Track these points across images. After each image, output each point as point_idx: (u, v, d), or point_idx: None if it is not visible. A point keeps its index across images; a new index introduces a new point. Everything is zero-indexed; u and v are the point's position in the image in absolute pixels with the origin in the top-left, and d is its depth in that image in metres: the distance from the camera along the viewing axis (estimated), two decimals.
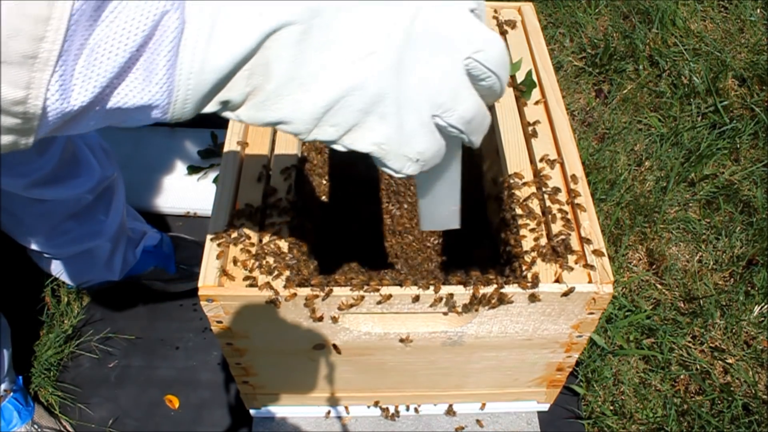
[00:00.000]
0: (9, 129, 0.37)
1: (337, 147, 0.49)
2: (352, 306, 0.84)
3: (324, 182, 1.19)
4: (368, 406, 1.15)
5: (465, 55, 0.46)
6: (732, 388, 1.32)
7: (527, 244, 0.87)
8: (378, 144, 0.47)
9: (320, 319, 0.87)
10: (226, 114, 0.46)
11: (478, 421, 1.20)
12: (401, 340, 0.92)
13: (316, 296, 0.83)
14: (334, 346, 0.93)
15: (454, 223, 0.74)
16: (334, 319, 0.87)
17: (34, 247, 1.25)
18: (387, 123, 0.46)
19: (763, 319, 1.42)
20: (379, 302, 0.84)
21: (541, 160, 0.96)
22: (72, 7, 0.35)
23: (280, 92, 0.44)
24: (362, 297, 0.83)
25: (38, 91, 0.36)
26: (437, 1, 0.45)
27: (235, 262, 0.85)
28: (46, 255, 1.28)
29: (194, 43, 0.40)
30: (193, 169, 1.65)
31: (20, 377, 1.24)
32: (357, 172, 1.25)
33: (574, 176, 0.93)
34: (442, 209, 0.72)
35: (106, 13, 0.37)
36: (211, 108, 0.44)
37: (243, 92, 0.43)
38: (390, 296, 0.83)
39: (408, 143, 0.48)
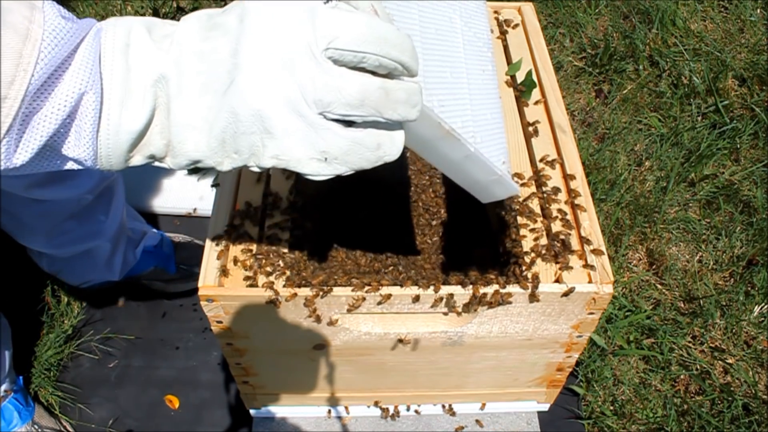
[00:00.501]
0: None
1: (253, 169, 0.52)
2: (357, 306, 0.84)
3: (324, 182, 1.19)
4: (368, 406, 1.15)
5: (321, 48, 0.46)
6: (732, 388, 1.32)
7: (527, 244, 0.87)
8: (276, 156, 0.50)
9: (320, 320, 0.87)
10: (158, 164, 0.53)
11: (477, 421, 1.20)
12: (400, 341, 0.92)
13: (316, 296, 0.83)
14: (315, 311, 0.93)
15: (508, 190, 0.73)
16: (333, 323, 0.87)
17: (34, 247, 1.25)
18: (274, 137, 0.49)
19: (763, 319, 1.42)
20: (379, 302, 0.84)
21: (541, 160, 0.96)
22: (26, 90, 0.43)
23: (181, 139, 0.50)
24: (363, 298, 0.83)
25: None
26: (281, 7, 0.48)
27: (235, 262, 0.85)
28: (46, 255, 1.28)
29: (107, 114, 0.49)
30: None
31: (20, 377, 1.24)
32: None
33: (573, 176, 0.93)
34: (482, 181, 0.71)
35: (44, 93, 0.46)
36: (138, 161, 0.52)
37: (161, 145, 0.51)
38: (390, 296, 0.83)
39: (305, 147, 0.49)
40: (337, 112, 0.47)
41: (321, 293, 0.82)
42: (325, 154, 0.49)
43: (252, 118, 0.48)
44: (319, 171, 0.51)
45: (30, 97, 0.44)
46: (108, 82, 0.48)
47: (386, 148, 0.51)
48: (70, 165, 0.51)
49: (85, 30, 0.48)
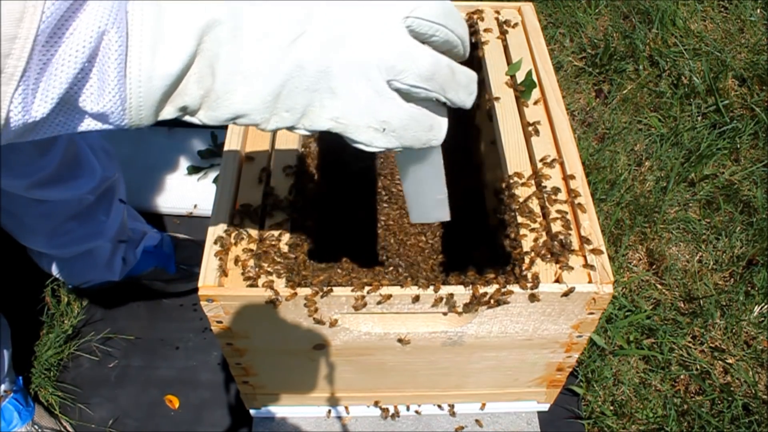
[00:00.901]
0: None
1: (300, 131, 0.49)
2: (364, 305, 0.84)
3: (325, 182, 1.19)
4: (368, 406, 1.15)
5: (403, 15, 0.46)
6: (732, 388, 1.32)
7: (527, 244, 0.87)
8: (335, 119, 0.48)
9: (321, 322, 0.87)
10: (188, 119, 0.48)
11: (477, 421, 1.20)
12: (399, 341, 0.92)
13: (316, 295, 0.83)
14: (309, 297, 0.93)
15: (444, 214, 0.74)
16: (333, 323, 0.87)
17: (35, 247, 1.25)
18: (338, 97, 0.47)
19: (763, 319, 1.42)
20: (379, 302, 0.84)
21: (541, 161, 0.96)
22: (37, 28, 0.38)
23: (227, 89, 0.46)
24: (363, 297, 0.83)
25: (3, 102, 0.39)
26: None
27: (235, 262, 0.85)
28: (46, 255, 1.28)
29: (139, 55, 0.42)
30: (193, 169, 1.65)
31: (20, 377, 1.24)
32: (357, 172, 1.25)
33: (573, 176, 0.93)
34: (429, 199, 0.72)
35: (60, 35, 0.40)
36: (169, 114, 0.47)
37: (197, 95, 0.46)
38: (390, 296, 0.83)
39: (367, 114, 0.48)
40: (406, 81, 0.47)
41: (321, 293, 0.82)
42: (384, 124, 0.48)
43: (318, 74, 0.46)
44: (372, 141, 0.49)
45: (44, 36, 0.39)
46: (137, 23, 0.42)
47: (436, 132, 0.51)
48: (92, 124, 0.45)
49: None
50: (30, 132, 0.43)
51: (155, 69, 0.43)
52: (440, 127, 0.52)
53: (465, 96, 0.51)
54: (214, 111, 0.47)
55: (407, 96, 0.49)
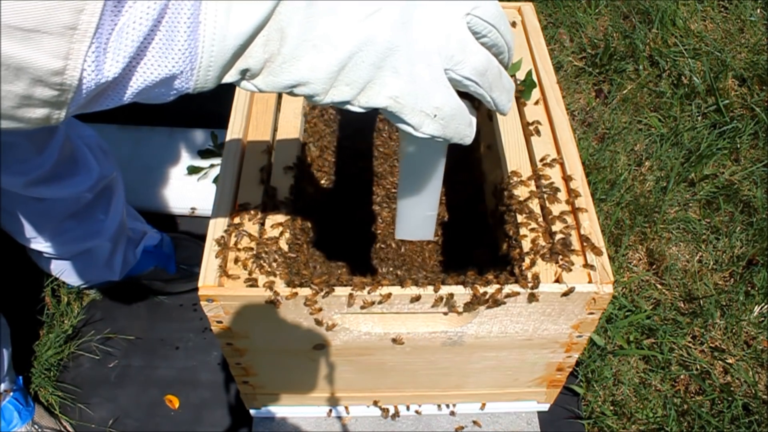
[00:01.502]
0: (44, 101, 0.39)
1: (354, 108, 0.50)
2: (372, 303, 0.84)
3: (324, 182, 1.19)
4: (368, 406, 1.15)
5: (465, 11, 0.49)
6: (732, 388, 1.32)
7: (527, 244, 0.87)
8: (394, 97, 0.49)
9: (321, 323, 0.87)
10: (245, 84, 0.48)
11: (475, 422, 1.20)
12: (393, 341, 0.92)
13: (316, 294, 0.83)
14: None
15: (428, 233, 0.76)
16: (330, 327, 0.87)
17: (33, 246, 1.25)
18: (400, 77, 0.48)
19: (763, 319, 1.42)
20: (379, 302, 0.84)
21: (541, 161, 0.96)
22: None
23: (295, 54, 0.46)
24: (372, 297, 0.83)
25: (76, 62, 0.38)
26: None
27: (235, 261, 0.85)
28: (45, 254, 1.28)
29: (215, 12, 0.42)
30: (193, 169, 1.65)
31: (20, 377, 1.24)
32: (357, 173, 1.25)
33: (573, 176, 0.93)
34: (419, 214, 0.73)
35: None
36: (231, 77, 0.46)
37: (261, 59, 0.45)
38: (390, 295, 0.83)
39: (423, 97, 0.49)
40: (461, 72, 0.49)
41: (322, 292, 0.82)
42: (436, 110, 0.50)
43: (385, 51, 0.47)
44: (421, 125, 0.51)
45: None
46: None
47: (471, 129, 0.54)
48: (153, 91, 0.45)
49: None
50: (95, 100, 0.42)
51: (229, 28, 0.43)
52: (473, 126, 0.54)
53: (506, 100, 0.54)
54: (275, 76, 0.47)
55: (456, 88, 0.51)
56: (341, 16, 0.46)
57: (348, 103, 0.49)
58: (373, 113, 0.55)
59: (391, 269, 1.12)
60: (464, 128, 0.53)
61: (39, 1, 0.35)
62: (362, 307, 0.85)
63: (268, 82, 0.47)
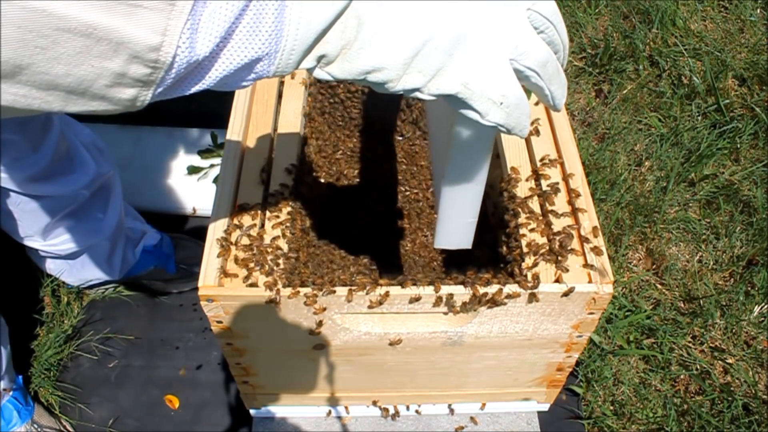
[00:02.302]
0: (136, 80, 0.40)
1: (422, 96, 0.51)
2: (382, 302, 0.84)
3: (324, 183, 1.19)
4: (368, 406, 1.15)
5: (526, 6, 0.51)
6: (732, 388, 1.32)
7: (527, 244, 0.87)
8: (464, 83, 0.50)
9: (321, 324, 0.87)
10: (318, 72, 0.49)
11: (472, 418, 1.19)
12: (391, 343, 0.92)
13: (316, 295, 0.83)
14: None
15: (467, 240, 0.76)
16: (319, 324, 0.87)
17: (30, 244, 1.25)
18: (470, 64, 0.49)
19: (763, 319, 1.42)
20: (380, 301, 0.84)
21: (541, 161, 0.96)
22: None
23: (371, 41, 0.47)
24: (387, 293, 0.82)
25: (172, 38, 0.39)
26: None
27: (235, 261, 0.85)
28: (43, 252, 1.28)
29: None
30: (193, 169, 1.65)
31: (20, 377, 1.24)
32: (357, 173, 1.25)
33: (573, 176, 0.93)
34: (461, 221, 0.73)
35: None
36: (308, 63, 0.47)
37: (338, 45, 0.47)
38: (388, 294, 0.83)
39: (492, 84, 0.51)
40: (524, 63, 0.51)
41: (322, 292, 0.82)
42: (503, 98, 0.51)
43: (457, 38, 0.49)
44: (488, 112, 0.52)
45: None
46: None
47: (529, 121, 0.55)
48: (235, 75, 0.45)
49: None
50: (179, 83, 0.43)
51: (313, 12, 0.44)
52: (529, 118, 0.55)
53: (562, 94, 0.56)
54: (351, 62, 0.48)
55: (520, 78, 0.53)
56: (416, 4, 0.47)
57: (418, 90, 0.50)
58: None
59: (391, 268, 1.12)
60: (525, 118, 0.54)
61: None
62: (370, 306, 0.85)
63: (343, 68, 0.48)
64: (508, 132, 0.54)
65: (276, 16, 0.43)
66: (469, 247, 0.78)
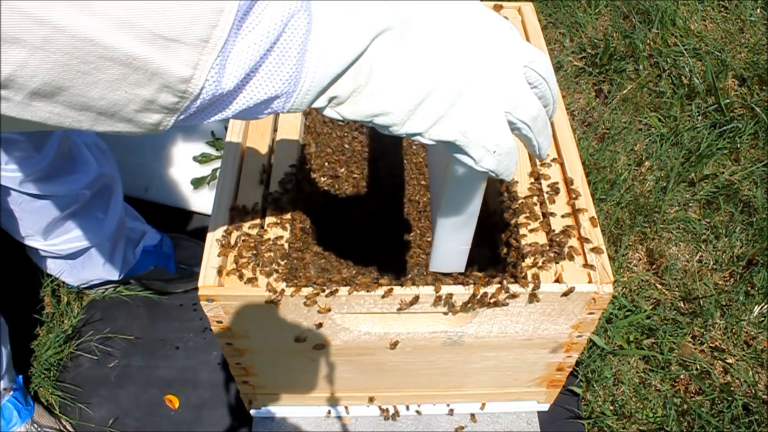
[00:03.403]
0: (163, 107, 0.43)
1: (423, 139, 0.55)
2: (386, 296, 0.84)
3: (324, 183, 1.19)
4: (368, 406, 1.15)
5: (523, 63, 0.55)
6: (732, 388, 1.32)
7: (527, 244, 0.87)
8: (463, 132, 0.54)
9: (321, 325, 0.87)
10: (329, 111, 0.52)
11: (472, 415, 1.19)
12: (390, 347, 0.92)
13: (317, 294, 0.83)
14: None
15: (461, 265, 0.81)
16: (318, 326, 0.87)
17: (31, 243, 1.25)
18: (469, 114, 0.53)
19: (763, 319, 1.42)
20: (383, 296, 0.84)
21: (541, 161, 0.96)
22: (239, 3, 0.42)
23: (381, 87, 0.51)
24: (391, 290, 0.83)
25: (202, 72, 0.42)
26: (492, 17, 0.55)
27: (235, 261, 0.85)
28: (43, 252, 1.28)
29: (321, 42, 0.47)
30: (196, 181, 1.64)
31: (20, 377, 1.24)
32: (357, 174, 1.25)
33: (573, 176, 0.93)
34: (454, 248, 0.77)
35: (255, 10, 0.44)
36: (320, 103, 0.51)
37: (348, 89, 0.50)
38: (391, 290, 0.83)
39: (487, 133, 0.54)
40: (517, 116, 0.55)
41: (325, 292, 0.82)
42: (496, 147, 0.55)
43: (459, 90, 0.52)
44: (481, 159, 0.56)
45: (242, 11, 0.42)
46: (320, 12, 0.47)
47: (516, 166, 0.59)
48: (255, 107, 0.48)
49: None
50: (201, 112, 0.46)
51: (331, 57, 0.47)
52: (517, 165, 0.59)
53: (547, 145, 0.60)
54: (360, 105, 0.51)
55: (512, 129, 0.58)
56: (424, 57, 0.51)
57: (419, 134, 0.54)
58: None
59: (392, 268, 1.12)
60: (513, 165, 0.58)
61: (182, 15, 0.39)
62: (399, 309, 0.85)
63: (353, 110, 0.52)
64: (497, 176, 0.58)
65: (298, 59, 0.46)
66: (462, 271, 0.83)
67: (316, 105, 0.51)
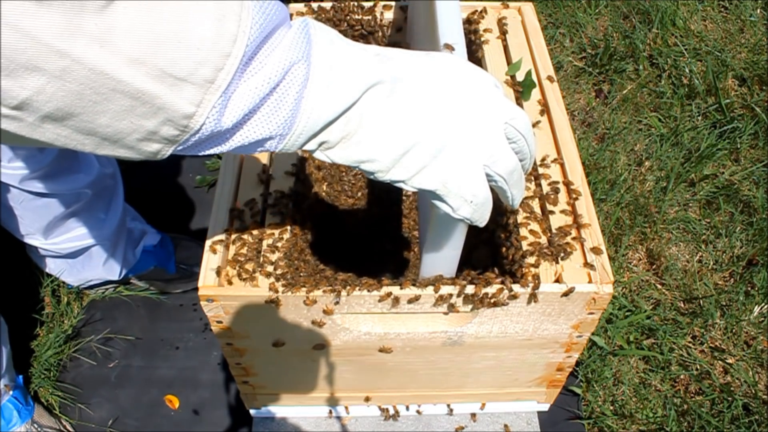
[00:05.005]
0: (163, 138, 0.46)
1: (406, 186, 0.58)
2: (385, 299, 0.84)
3: (325, 184, 1.19)
4: (368, 406, 1.15)
5: (504, 120, 0.58)
6: (732, 388, 1.32)
7: (527, 244, 0.87)
8: (443, 182, 0.57)
9: (322, 324, 0.87)
10: (318, 154, 0.55)
11: (472, 415, 1.19)
12: (381, 350, 0.92)
13: (312, 291, 0.83)
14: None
15: (452, 270, 0.84)
16: (319, 324, 0.87)
17: (32, 242, 1.25)
18: (450, 166, 0.56)
19: (763, 319, 1.42)
20: (380, 300, 0.84)
21: (541, 161, 0.96)
22: (244, 50, 0.45)
23: (369, 137, 0.54)
24: (389, 293, 0.83)
25: (204, 109, 0.45)
26: (478, 75, 0.59)
27: (235, 261, 0.85)
28: (42, 250, 1.28)
29: (316, 92, 0.50)
30: (202, 180, 1.65)
31: (20, 377, 1.24)
32: (357, 174, 1.25)
33: (573, 176, 0.93)
34: (444, 253, 0.81)
35: (259, 56, 0.47)
36: (310, 146, 0.54)
37: (339, 135, 0.53)
38: (391, 294, 0.83)
39: (466, 185, 0.58)
40: (495, 169, 0.59)
41: (333, 294, 0.82)
42: (473, 197, 0.58)
43: (441, 144, 0.55)
44: (459, 207, 0.59)
45: (246, 57, 0.46)
46: (318, 63, 0.50)
47: (489, 215, 0.62)
48: (247, 146, 0.51)
49: (285, 10, 0.51)
50: (197, 145, 0.49)
51: (325, 106, 0.51)
52: (489, 212, 0.62)
53: (520, 196, 0.63)
54: (348, 151, 0.55)
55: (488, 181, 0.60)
56: (411, 111, 0.55)
57: (403, 182, 0.57)
58: None
59: (391, 269, 1.12)
60: (487, 213, 0.61)
61: (192, 57, 0.42)
62: (380, 300, 0.85)
63: (341, 155, 0.55)
64: (471, 223, 0.61)
65: (294, 105, 0.50)
66: (454, 275, 0.86)
67: (306, 147, 0.54)
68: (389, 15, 1.17)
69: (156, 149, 0.47)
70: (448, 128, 0.56)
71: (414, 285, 0.83)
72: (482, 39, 1.11)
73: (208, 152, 0.50)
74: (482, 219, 0.62)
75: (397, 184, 0.58)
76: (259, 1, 0.47)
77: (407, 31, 1.18)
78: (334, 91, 0.51)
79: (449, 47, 0.73)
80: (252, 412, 1.19)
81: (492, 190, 0.61)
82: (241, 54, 0.45)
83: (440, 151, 0.56)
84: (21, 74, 0.37)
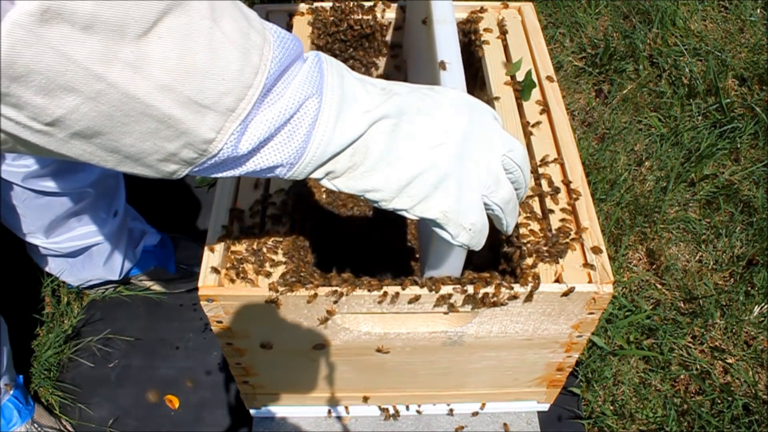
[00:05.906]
0: (182, 160, 0.49)
1: (408, 215, 0.61)
2: (384, 300, 0.84)
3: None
4: (368, 406, 1.15)
5: (501, 153, 0.62)
6: (732, 388, 1.32)
7: (527, 244, 0.87)
8: (443, 212, 0.60)
9: (325, 321, 0.87)
10: (325, 182, 0.58)
11: (474, 413, 1.19)
12: (378, 350, 0.92)
13: (316, 295, 0.83)
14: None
15: (457, 270, 0.85)
16: (323, 320, 0.87)
17: (33, 241, 1.25)
18: (450, 197, 0.60)
19: (763, 319, 1.42)
20: (379, 301, 0.84)
21: (541, 161, 0.96)
22: (264, 82, 0.48)
23: (374, 167, 0.57)
24: (386, 294, 0.83)
25: (224, 136, 0.48)
26: (478, 110, 0.62)
27: (235, 261, 0.85)
28: (43, 249, 1.28)
29: (326, 124, 0.53)
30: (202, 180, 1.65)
31: (20, 376, 1.24)
32: None
33: (573, 176, 0.93)
34: (446, 252, 0.82)
35: (276, 89, 0.50)
36: (317, 174, 0.56)
37: (345, 166, 0.56)
38: (389, 293, 0.83)
39: (465, 214, 0.61)
40: (492, 199, 0.62)
41: (335, 295, 0.82)
42: (471, 225, 0.62)
43: (443, 176, 0.58)
44: (458, 235, 0.62)
45: (266, 88, 0.49)
46: (329, 97, 0.53)
47: (484, 241, 0.65)
48: (260, 171, 0.54)
49: (301, 44, 0.54)
50: (212, 168, 0.51)
51: (334, 137, 0.54)
52: (485, 239, 0.66)
53: (513, 224, 0.68)
54: (354, 181, 0.58)
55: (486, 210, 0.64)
56: (414, 144, 0.58)
57: (405, 210, 0.60)
58: None
59: (390, 269, 1.12)
60: (483, 240, 0.65)
61: (217, 87, 0.45)
62: (380, 300, 0.84)
63: (347, 184, 0.58)
64: (468, 248, 0.65)
65: (306, 136, 0.53)
66: (459, 275, 0.87)
67: (314, 176, 0.56)
68: (389, 15, 1.17)
69: (173, 169, 0.49)
70: (449, 160, 0.59)
71: (415, 284, 0.83)
72: (482, 39, 1.11)
73: (221, 175, 0.53)
74: (479, 245, 0.65)
75: (400, 212, 0.61)
76: (279, 35, 0.51)
77: (405, 31, 1.18)
78: (343, 124, 0.54)
79: (443, 65, 0.79)
80: (252, 412, 1.19)
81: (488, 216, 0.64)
82: (261, 86, 0.48)
83: (442, 182, 0.59)
84: (58, 94, 0.39)
